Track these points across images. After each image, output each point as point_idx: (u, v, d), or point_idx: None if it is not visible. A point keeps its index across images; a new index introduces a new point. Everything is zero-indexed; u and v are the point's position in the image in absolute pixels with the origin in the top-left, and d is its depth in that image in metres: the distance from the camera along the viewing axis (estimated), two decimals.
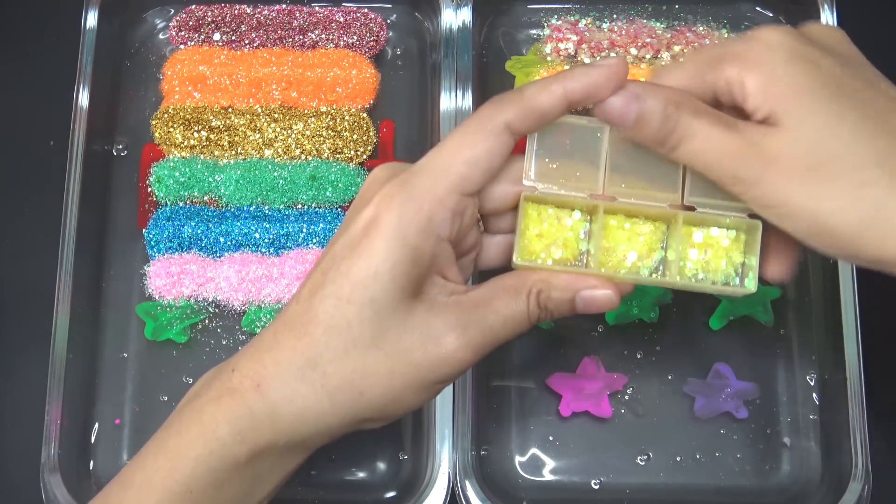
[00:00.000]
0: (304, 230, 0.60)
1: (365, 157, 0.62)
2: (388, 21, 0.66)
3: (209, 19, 0.64)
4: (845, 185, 0.39)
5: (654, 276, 0.44)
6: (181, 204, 0.61)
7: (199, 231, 0.60)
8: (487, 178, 0.42)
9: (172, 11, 0.66)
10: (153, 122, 0.62)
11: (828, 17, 0.61)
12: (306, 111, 0.62)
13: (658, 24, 0.65)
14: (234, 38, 0.64)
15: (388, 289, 0.40)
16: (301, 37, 0.64)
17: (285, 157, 0.62)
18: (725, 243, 0.44)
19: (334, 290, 0.40)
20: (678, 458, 0.58)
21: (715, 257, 0.44)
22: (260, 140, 0.62)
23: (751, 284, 0.44)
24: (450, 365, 0.41)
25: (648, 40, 0.63)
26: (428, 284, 0.41)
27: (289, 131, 0.62)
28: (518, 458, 0.58)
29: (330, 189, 0.61)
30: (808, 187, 0.39)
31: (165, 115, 0.62)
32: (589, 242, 0.44)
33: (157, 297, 0.60)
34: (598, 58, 0.63)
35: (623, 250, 0.44)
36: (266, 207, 0.61)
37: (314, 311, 0.41)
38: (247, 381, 0.41)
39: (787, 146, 0.39)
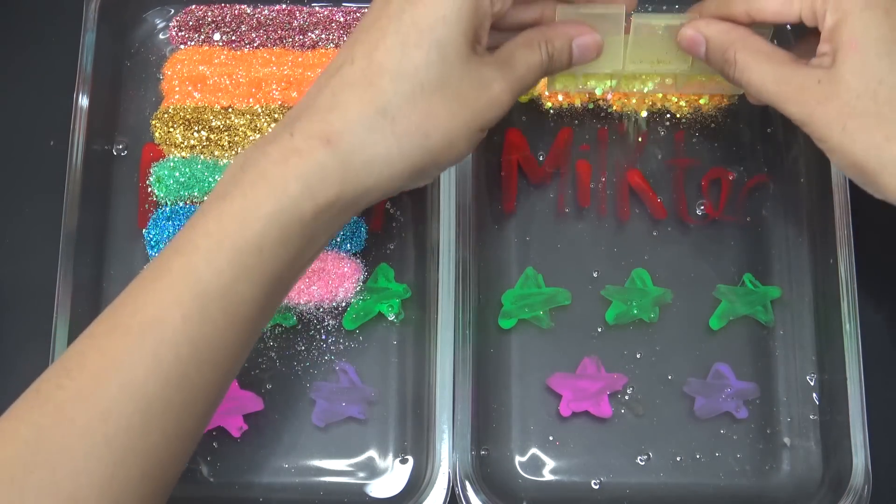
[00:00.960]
0: None
1: None
2: None
3: (209, 19, 0.64)
4: (878, 134, 0.45)
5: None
6: (181, 204, 0.61)
7: None
8: None
9: (172, 11, 0.66)
10: (153, 122, 0.62)
11: None
12: None
13: None
14: (234, 38, 0.64)
15: (454, 33, 0.43)
16: (301, 37, 0.64)
17: None
18: None
19: (400, 38, 0.43)
20: (678, 458, 0.58)
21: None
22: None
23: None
24: (496, 107, 0.46)
25: None
26: (480, 39, 0.45)
27: None
28: (518, 458, 0.58)
29: None
30: (848, 132, 0.45)
31: (165, 115, 0.62)
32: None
33: None
34: None
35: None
36: None
37: (378, 62, 0.43)
38: (313, 140, 0.43)
39: (837, 92, 0.45)
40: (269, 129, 0.61)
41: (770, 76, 0.48)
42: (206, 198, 0.45)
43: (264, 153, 0.43)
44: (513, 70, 0.47)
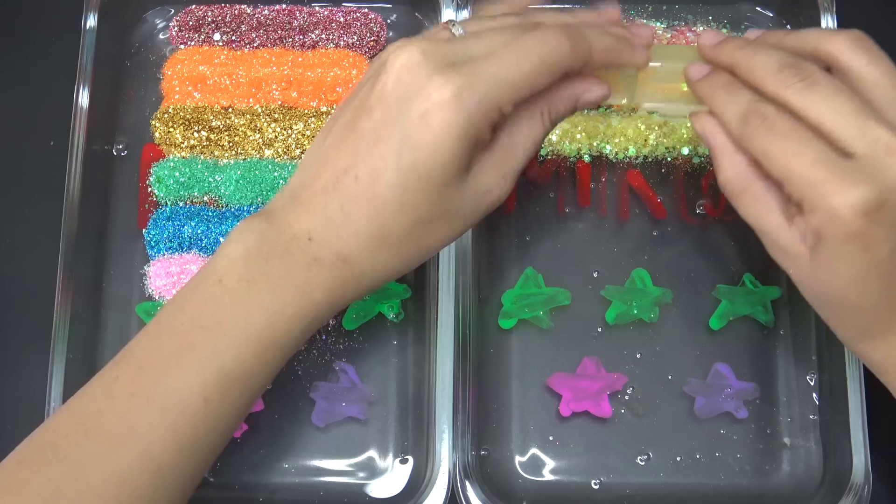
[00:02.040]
0: None
1: None
2: (388, 21, 0.66)
3: (209, 19, 0.64)
4: (853, 330, 0.48)
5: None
6: (181, 204, 0.61)
7: (199, 231, 0.60)
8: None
9: (172, 11, 0.66)
10: (153, 122, 0.62)
11: (828, 17, 0.61)
12: (306, 111, 0.62)
13: (658, 24, 0.65)
14: (234, 38, 0.64)
15: (453, 175, 0.44)
16: (301, 37, 0.64)
17: (285, 157, 0.62)
18: None
19: (401, 179, 0.44)
20: (678, 458, 0.58)
21: None
22: (260, 140, 0.62)
23: None
24: (495, 204, 0.48)
25: None
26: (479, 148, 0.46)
27: (289, 131, 0.62)
28: (518, 458, 0.58)
29: None
30: (824, 314, 0.49)
31: (165, 115, 0.62)
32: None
33: (157, 298, 0.60)
34: None
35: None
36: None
37: (382, 195, 0.44)
38: (332, 255, 0.46)
39: (813, 284, 0.47)
40: (269, 130, 0.62)
41: (762, 229, 0.48)
42: (223, 254, 0.46)
43: (287, 251, 0.46)
44: (513, 160, 0.47)
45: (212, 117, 0.62)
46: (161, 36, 0.66)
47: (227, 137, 0.62)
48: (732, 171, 0.48)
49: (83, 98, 0.61)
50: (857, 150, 0.43)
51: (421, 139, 0.43)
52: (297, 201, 0.46)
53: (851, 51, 0.47)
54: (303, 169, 0.48)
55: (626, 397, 0.59)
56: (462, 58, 0.45)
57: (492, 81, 0.44)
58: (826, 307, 0.48)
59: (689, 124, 0.59)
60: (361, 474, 0.58)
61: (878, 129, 0.43)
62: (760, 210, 0.47)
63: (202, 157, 0.62)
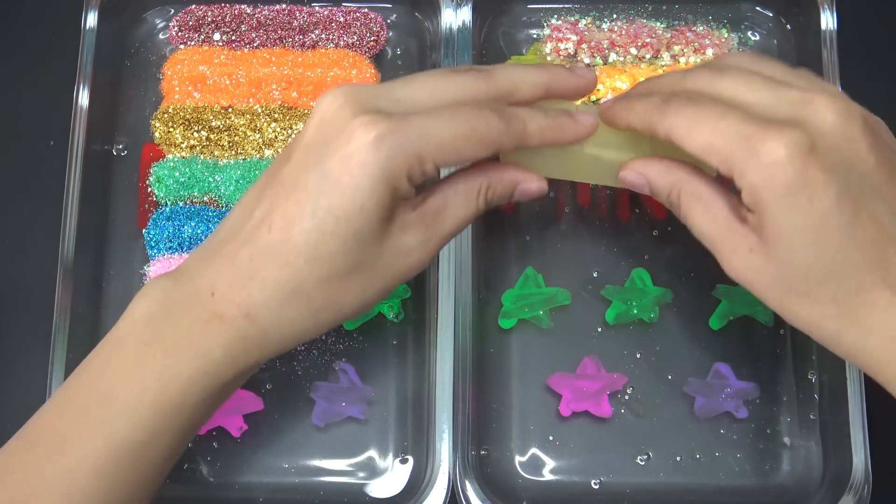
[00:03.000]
0: None
1: None
2: (388, 21, 0.66)
3: (209, 19, 0.64)
4: (815, 313, 0.43)
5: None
6: (181, 204, 0.61)
7: (199, 231, 0.60)
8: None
9: (172, 11, 0.66)
10: (153, 122, 0.62)
11: (828, 17, 0.61)
12: (306, 111, 0.62)
13: (658, 23, 0.65)
14: (234, 38, 0.64)
15: (372, 220, 0.42)
16: (301, 37, 0.64)
17: None
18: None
19: (317, 224, 0.42)
20: (678, 458, 0.58)
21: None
22: (260, 140, 0.62)
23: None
24: (413, 270, 0.45)
25: (648, 40, 0.63)
26: (401, 204, 0.44)
27: (289, 131, 0.62)
28: (518, 458, 0.58)
29: None
30: (786, 306, 0.44)
31: (165, 115, 0.62)
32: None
33: None
34: (598, 58, 0.63)
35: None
36: None
37: (294, 243, 0.42)
38: (234, 308, 0.43)
39: (768, 269, 0.43)
40: (269, 130, 0.62)
41: (707, 229, 0.45)
42: (127, 315, 0.45)
43: (186, 309, 0.43)
44: (439, 228, 0.45)
45: (212, 117, 0.62)
46: (161, 36, 0.66)
47: (227, 137, 0.62)
48: (668, 179, 0.47)
49: (83, 98, 0.61)
50: (778, 113, 0.42)
51: (339, 181, 0.42)
52: (209, 256, 0.45)
53: (739, 58, 0.47)
54: (222, 223, 0.46)
55: (626, 397, 0.59)
56: (389, 104, 0.43)
57: (418, 133, 0.42)
58: (795, 295, 0.43)
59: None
60: (361, 474, 0.58)
61: (791, 92, 0.43)
62: (708, 207, 0.45)
63: (202, 157, 0.62)
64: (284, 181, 0.43)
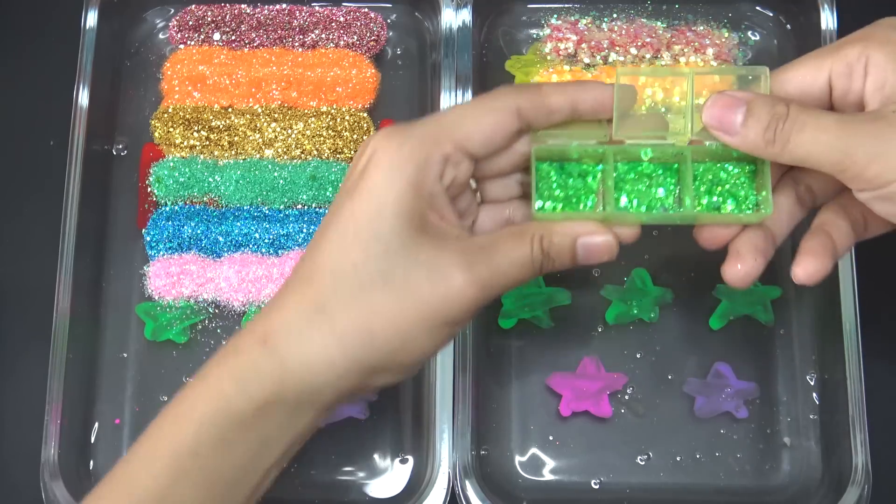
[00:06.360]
0: (304, 230, 0.60)
1: None
2: (388, 21, 0.66)
3: (209, 19, 0.64)
4: None
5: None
6: (181, 204, 0.61)
7: (198, 231, 0.60)
8: (486, 147, 0.43)
9: (172, 11, 0.66)
10: (153, 122, 0.62)
11: (828, 17, 0.61)
12: (306, 111, 0.62)
13: (658, 23, 0.65)
14: (234, 37, 0.64)
15: (393, 223, 0.40)
16: (301, 37, 0.64)
17: (285, 157, 0.62)
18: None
19: (339, 234, 0.40)
20: (678, 458, 0.58)
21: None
22: (260, 140, 0.62)
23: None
24: (458, 302, 0.40)
25: (648, 40, 0.63)
26: (433, 220, 0.42)
27: (289, 131, 0.62)
28: (518, 458, 0.58)
29: (330, 189, 0.61)
30: None
31: (165, 115, 0.62)
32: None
33: (156, 298, 0.60)
34: (598, 57, 0.63)
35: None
36: (266, 208, 0.61)
37: (318, 258, 0.41)
38: (251, 337, 0.41)
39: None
40: (269, 130, 0.62)
41: (830, 122, 0.41)
42: None
43: (225, 352, 0.42)
44: (489, 260, 0.41)
45: (212, 117, 0.62)
46: (161, 36, 0.66)
47: (226, 137, 0.62)
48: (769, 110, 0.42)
49: (83, 98, 0.61)
50: None
51: (358, 185, 0.41)
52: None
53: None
54: None
55: (626, 397, 0.59)
56: None
57: (437, 123, 0.42)
58: None
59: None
60: (361, 474, 0.58)
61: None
62: (825, 112, 0.42)
63: (202, 157, 0.62)
64: (327, 218, 0.42)
